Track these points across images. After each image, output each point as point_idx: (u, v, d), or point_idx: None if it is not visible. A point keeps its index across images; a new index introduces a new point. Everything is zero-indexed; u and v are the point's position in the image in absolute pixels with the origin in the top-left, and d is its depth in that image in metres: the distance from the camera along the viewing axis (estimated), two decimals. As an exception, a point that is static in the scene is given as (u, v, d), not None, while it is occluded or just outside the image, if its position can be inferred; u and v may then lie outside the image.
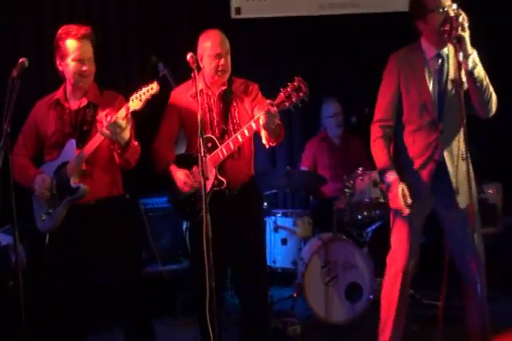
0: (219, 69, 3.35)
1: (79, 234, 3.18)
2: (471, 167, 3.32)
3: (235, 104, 3.43)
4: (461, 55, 3.04)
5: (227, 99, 3.42)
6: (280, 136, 3.26)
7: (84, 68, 3.14)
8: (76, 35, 3.12)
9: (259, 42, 5.46)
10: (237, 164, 3.38)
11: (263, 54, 5.44)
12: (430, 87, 3.28)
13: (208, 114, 3.37)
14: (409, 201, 3.23)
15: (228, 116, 3.40)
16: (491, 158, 5.05)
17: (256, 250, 3.55)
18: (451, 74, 3.24)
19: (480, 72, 3.15)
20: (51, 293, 3.30)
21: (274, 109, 3.03)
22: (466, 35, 3.04)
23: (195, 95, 3.14)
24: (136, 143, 3.19)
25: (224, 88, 3.43)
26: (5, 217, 2.94)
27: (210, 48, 3.35)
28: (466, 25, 3.02)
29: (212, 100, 3.42)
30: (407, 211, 3.26)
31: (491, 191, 5.04)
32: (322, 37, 5.48)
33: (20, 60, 2.93)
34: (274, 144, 3.29)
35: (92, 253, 3.21)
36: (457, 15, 3.02)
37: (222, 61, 3.35)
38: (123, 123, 2.97)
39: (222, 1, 5.32)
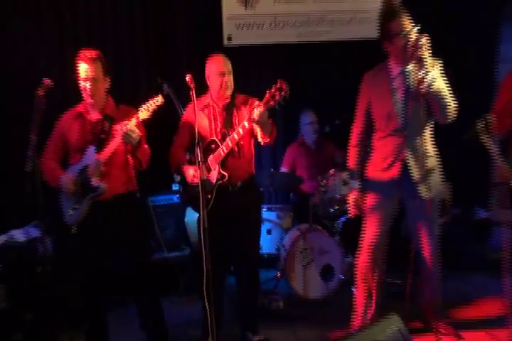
0: (223, 85, 3.38)
1: (100, 225, 3.19)
2: (436, 164, 3.36)
3: (235, 113, 3.44)
4: (421, 72, 3.07)
5: (229, 110, 3.44)
6: (273, 132, 3.28)
7: (89, 87, 3.15)
8: (84, 59, 3.14)
9: (248, 64, 5.45)
10: (237, 162, 3.39)
11: (251, 74, 5.43)
12: (394, 100, 3.30)
13: (212, 122, 3.39)
14: (357, 210, 3.48)
15: (230, 123, 3.41)
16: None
17: (253, 241, 3.58)
18: (415, 87, 3.24)
19: (439, 85, 3.16)
20: (77, 272, 3.33)
21: (262, 107, 3.06)
22: (427, 55, 3.05)
23: (202, 108, 3.35)
24: (146, 146, 3.24)
25: (227, 101, 3.46)
26: (34, 214, 2.91)
27: (215, 69, 3.39)
28: (426, 46, 3.03)
29: (217, 111, 3.43)
30: (352, 213, 3.51)
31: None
32: (300, 60, 5.48)
33: (46, 81, 2.94)
34: (268, 140, 3.30)
35: (110, 241, 3.23)
36: (419, 38, 3.04)
37: (225, 78, 3.38)
38: (134, 129, 3.02)
39: (216, 30, 5.30)
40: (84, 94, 3.20)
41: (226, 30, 5.31)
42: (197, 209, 3.52)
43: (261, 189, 4.90)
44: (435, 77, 3.12)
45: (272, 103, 3.02)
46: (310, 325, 3.86)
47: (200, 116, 3.38)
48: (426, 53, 3.03)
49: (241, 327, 3.65)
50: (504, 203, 3.66)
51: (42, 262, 3.25)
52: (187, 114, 3.51)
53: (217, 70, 3.37)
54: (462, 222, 5.21)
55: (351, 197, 3.53)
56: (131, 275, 3.32)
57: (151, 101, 3.06)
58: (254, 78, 5.39)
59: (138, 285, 3.33)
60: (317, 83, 5.42)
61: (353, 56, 5.16)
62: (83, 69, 3.14)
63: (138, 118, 3.05)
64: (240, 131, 3.21)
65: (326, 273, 4.29)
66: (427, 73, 3.07)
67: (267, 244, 4.65)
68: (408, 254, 3.43)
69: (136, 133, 3.04)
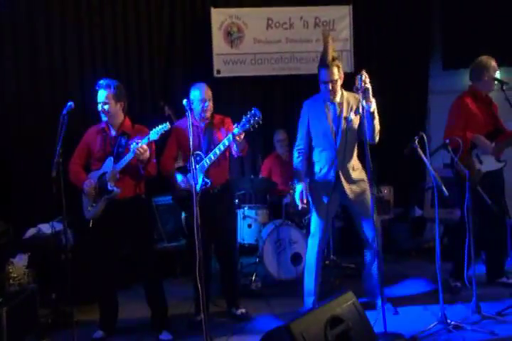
0: (204, 109, 3.34)
1: (113, 221, 3.16)
2: (362, 174, 3.40)
3: (215, 131, 3.41)
4: (363, 101, 3.09)
5: (210, 129, 3.41)
6: (245, 148, 3.29)
7: (105, 108, 3.16)
8: (102, 86, 3.16)
9: (233, 91, 5.45)
10: (217, 170, 3.36)
11: (236, 99, 5.43)
12: (328, 122, 3.34)
13: (197, 139, 3.34)
14: (303, 203, 3.44)
15: (211, 140, 3.38)
16: (385, 170, 5.08)
17: (230, 230, 3.56)
18: (344, 113, 3.32)
19: (376, 114, 3.22)
20: (94, 259, 3.29)
21: (238, 129, 3.08)
22: (369, 86, 3.08)
23: (187, 127, 3.17)
24: (154, 160, 3.23)
25: (208, 122, 3.42)
26: (58, 211, 2.86)
27: (198, 95, 3.35)
28: (367, 80, 3.06)
29: (200, 130, 3.40)
30: (301, 206, 3.47)
31: (385, 191, 5.09)
32: (275, 89, 5.50)
33: (69, 103, 2.92)
34: (241, 154, 3.33)
35: (121, 233, 3.19)
36: (361, 75, 3.05)
37: (206, 103, 3.34)
38: (146, 148, 3.03)
39: (207, 65, 5.28)
40: (101, 114, 3.19)
41: (215, 65, 5.29)
42: (184, 209, 3.50)
43: (243, 191, 4.89)
44: (374, 107, 3.16)
45: (247, 126, 3.06)
46: (282, 301, 3.82)
47: (185, 134, 3.30)
48: (369, 86, 3.06)
49: (227, 303, 3.60)
50: (433, 203, 3.67)
51: (64, 251, 3.18)
52: (175, 131, 3.43)
53: (200, 97, 3.34)
54: (403, 218, 5.23)
55: (296, 194, 3.48)
56: (138, 261, 3.28)
57: (160, 126, 3.06)
58: (237, 102, 5.38)
59: (144, 269, 3.28)
60: (288, 107, 5.44)
61: (315, 86, 5.16)
62: (99, 94, 3.15)
63: (149, 138, 3.05)
64: (222, 147, 3.22)
65: (296, 259, 4.26)
66: (370, 102, 3.11)
67: (247, 236, 4.59)
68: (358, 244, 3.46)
69: (147, 152, 3.05)
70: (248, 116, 3.07)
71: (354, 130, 3.36)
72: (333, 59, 3.29)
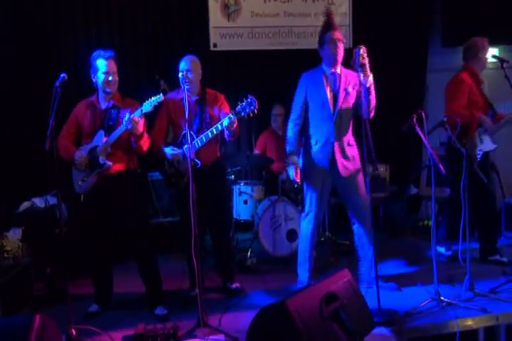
0: (184, 80, 3.13)
1: (104, 195, 3.09)
2: (355, 151, 3.35)
3: (207, 108, 3.31)
4: (361, 75, 3.01)
5: (202, 104, 3.31)
6: (236, 133, 3.19)
7: (110, 78, 3.05)
8: (104, 56, 3.03)
9: (230, 66, 5.32)
10: (207, 150, 3.27)
11: (232, 74, 5.31)
12: (327, 93, 3.26)
13: (189, 115, 3.24)
14: (297, 177, 3.36)
15: (202, 117, 3.28)
16: (382, 148, 5.02)
17: (223, 206, 3.50)
18: (343, 85, 3.24)
19: (372, 89, 3.15)
20: (87, 233, 3.22)
21: (233, 117, 2.99)
22: (366, 62, 3.00)
23: (179, 100, 3.20)
24: (147, 135, 3.11)
25: (198, 97, 3.32)
26: (52, 185, 2.80)
27: (182, 66, 3.26)
28: (365, 55, 2.98)
29: (191, 105, 3.27)
30: (297, 180, 3.39)
31: (382, 169, 5.06)
32: (272, 64, 5.35)
33: (62, 75, 2.81)
34: (232, 139, 3.24)
35: (113, 207, 3.11)
36: (358, 48, 2.97)
37: (185, 74, 3.20)
38: (138, 120, 2.91)
39: (204, 39, 5.16)
40: (103, 85, 3.07)
41: (212, 38, 5.18)
42: (170, 186, 3.40)
43: (239, 167, 4.83)
44: (371, 81, 3.10)
45: (242, 114, 2.96)
46: (277, 277, 3.81)
47: (177, 106, 3.24)
48: (365, 61, 2.99)
49: (221, 278, 3.58)
50: (429, 182, 3.67)
51: (58, 225, 3.13)
52: (166, 103, 3.28)
53: (182, 67, 3.25)
54: (399, 196, 5.20)
55: (290, 170, 3.40)
56: (132, 236, 3.21)
57: (153, 98, 2.94)
58: (234, 76, 5.28)
59: (137, 245, 3.21)
60: (285, 82, 5.32)
61: (313, 61, 5.07)
62: (103, 64, 3.03)
63: (142, 110, 2.94)
64: (214, 131, 3.12)
65: (291, 235, 4.24)
66: (367, 77, 3.05)
67: (243, 212, 4.57)
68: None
69: (140, 124, 2.95)
70: (244, 103, 2.96)
71: (350, 104, 3.29)
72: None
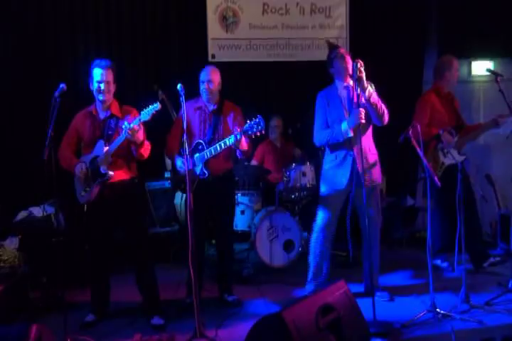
0: (204, 91, 3.27)
1: (107, 204, 3.11)
2: (377, 159, 3.38)
3: (222, 120, 3.34)
4: (359, 89, 3.11)
5: (217, 116, 3.34)
6: (248, 152, 3.24)
7: (102, 87, 3.07)
8: (100, 65, 3.07)
9: (228, 77, 5.31)
10: (217, 161, 3.29)
11: (231, 85, 5.33)
12: (344, 109, 3.29)
13: (202, 124, 3.28)
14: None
15: (216, 129, 3.32)
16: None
17: (228, 219, 3.51)
18: (355, 98, 3.24)
19: (374, 99, 3.21)
20: (89, 243, 3.24)
21: (239, 136, 3.01)
22: (363, 75, 3.08)
23: (195, 109, 3.30)
24: (147, 142, 3.13)
25: (216, 107, 3.34)
26: (49, 194, 2.81)
27: (202, 76, 3.32)
28: (362, 69, 3.06)
29: (206, 114, 3.32)
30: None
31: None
32: (270, 75, 5.39)
33: (61, 86, 2.84)
34: (244, 157, 3.31)
35: (115, 216, 3.13)
36: (355, 62, 3.05)
37: (206, 85, 3.28)
38: (137, 128, 2.93)
39: (202, 50, 5.18)
40: (96, 94, 3.11)
41: (210, 50, 5.21)
42: (181, 190, 3.44)
43: (236, 178, 4.85)
44: (371, 92, 3.18)
45: (249, 133, 2.99)
46: (274, 288, 3.81)
47: (193, 115, 3.31)
48: (362, 74, 3.07)
49: (219, 289, 3.58)
50: (425, 193, 3.71)
51: (56, 234, 3.14)
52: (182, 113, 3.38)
53: (202, 78, 3.30)
54: (396, 207, 5.22)
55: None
56: (131, 246, 3.22)
57: (151, 107, 2.95)
58: (232, 88, 5.28)
59: (135, 254, 3.23)
60: (282, 93, 5.38)
61: (311, 73, 5.13)
62: (98, 73, 3.06)
63: (140, 119, 2.96)
64: (223, 145, 3.13)
65: (288, 246, 4.25)
66: (364, 90, 3.13)
67: (240, 222, 4.56)
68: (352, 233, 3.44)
69: (139, 132, 2.97)
70: (252, 123, 2.99)
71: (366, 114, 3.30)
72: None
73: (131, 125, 2.91)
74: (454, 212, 3.37)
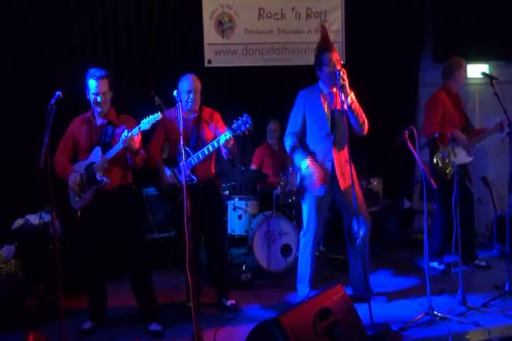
0: (188, 100, 3.28)
1: (101, 211, 3.10)
2: (351, 167, 3.33)
3: (203, 126, 3.36)
4: (342, 95, 3.13)
5: (198, 123, 3.36)
6: (234, 150, 3.26)
7: (99, 99, 3.07)
8: (95, 76, 3.04)
9: (224, 82, 5.37)
10: (203, 166, 3.31)
11: (227, 90, 5.36)
12: (325, 112, 3.30)
13: (185, 132, 3.28)
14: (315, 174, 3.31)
15: (199, 135, 3.33)
16: (375, 162, 5.08)
17: (217, 224, 3.52)
18: (338, 105, 3.26)
19: (356, 106, 3.24)
20: (82, 249, 3.22)
21: (229, 135, 3.04)
22: (346, 83, 3.12)
23: (174, 119, 3.24)
24: (143, 152, 3.14)
25: (196, 115, 3.36)
26: (46, 202, 2.81)
27: (184, 86, 3.29)
28: (345, 77, 3.11)
29: (187, 122, 3.32)
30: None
31: (375, 183, 5.10)
32: (266, 80, 5.38)
33: (57, 93, 2.84)
34: (230, 156, 3.29)
35: (109, 223, 3.12)
36: (339, 71, 3.11)
37: (191, 95, 3.28)
38: (135, 138, 2.95)
39: (198, 55, 5.20)
40: (93, 105, 3.12)
41: (207, 55, 5.22)
42: (167, 201, 3.44)
43: (233, 183, 4.85)
44: (353, 99, 3.21)
45: (237, 131, 3.02)
46: (271, 292, 3.82)
47: (173, 125, 3.30)
48: (346, 82, 3.10)
49: (217, 293, 3.59)
50: (422, 196, 3.74)
51: (52, 241, 3.13)
52: (163, 121, 3.32)
53: (186, 88, 3.27)
54: (392, 210, 5.23)
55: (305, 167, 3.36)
56: (126, 252, 3.21)
57: (151, 116, 2.97)
58: (228, 93, 5.32)
59: (130, 261, 3.22)
60: (279, 97, 5.38)
61: (307, 78, 5.13)
62: (93, 85, 3.05)
63: (140, 128, 2.97)
64: (210, 148, 3.17)
65: (285, 250, 4.24)
66: (347, 97, 3.16)
67: (238, 227, 4.57)
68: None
69: (137, 142, 2.98)
70: (239, 122, 3.02)
71: (346, 122, 3.32)
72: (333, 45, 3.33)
73: (130, 134, 2.93)
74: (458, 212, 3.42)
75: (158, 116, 2.96)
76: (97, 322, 3.24)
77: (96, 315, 3.26)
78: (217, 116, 3.43)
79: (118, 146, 3.01)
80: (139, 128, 2.96)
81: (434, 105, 3.98)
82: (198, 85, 3.34)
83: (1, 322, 3.02)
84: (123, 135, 2.95)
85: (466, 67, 4.08)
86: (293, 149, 3.36)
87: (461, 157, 3.86)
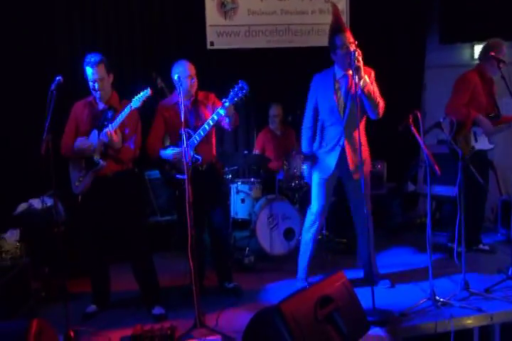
0: (192, 85, 3.25)
1: (101, 195, 3.09)
2: (365, 151, 3.30)
3: (201, 108, 3.33)
4: (356, 77, 3.02)
5: (196, 106, 3.33)
6: (236, 120, 3.23)
7: (96, 86, 3.03)
8: (90, 63, 3.00)
9: (226, 64, 5.28)
10: (205, 147, 3.28)
11: (229, 72, 5.27)
12: (337, 97, 3.23)
13: (184, 116, 3.24)
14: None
15: (198, 117, 3.30)
16: (379, 144, 5.00)
17: (220, 208, 3.48)
18: (353, 88, 3.16)
19: (370, 88, 3.12)
20: (84, 233, 3.23)
21: (228, 104, 3.02)
22: (361, 64, 3.01)
23: (173, 105, 3.23)
24: (132, 146, 3.11)
25: (193, 98, 3.33)
26: (48, 186, 2.80)
27: (184, 71, 3.22)
28: (360, 58, 3.00)
29: (186, 107, 3.27)
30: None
31: (379, 166, 5.05)
32: (269, 62, 5.31)
33: (57, 78, 2.79)
34: (233, 127, 3.28)
35: (110, 207, 3.11)
36: (354, 51, 2.99)
37: (193, 80, 3.25)
38: (111, 134, 2.96)
39: (201, 37, 5.10)
40: (92, 91, 3.08)
41: (209, 37, 5.12)
42: (172, 187, 3.39)
43: (236, 167, 4.82)
44: (367, 82, 3.10)
45: (235, 99, 3.01)
46: (274, 275, 3.81)
47: (171, 112, 3.27)
48: (360, 64, 3.00)
49: (218, 277, 3.59)
50: (426, 179, 3.71)
51: (56, 225, 3.13)
52: (161, 110, 3.35)
53: (186, 73, 3.22)
54: (396, 193, 5.19)
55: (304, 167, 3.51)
56: (127, 236, 3.20)
57: (141, 93, 2.95)
58: (230, 76, 5.20)
59: (131, 245, 3.21)
60: (282, 80, 5.30)
61: (311, 60, 5.05)
62: (89, 72, 3.01)
63: (131, 106, 2.94)
64: (211, 123, 3.13)
65: (288, 234, 4.24)
66: (360, 79, 3.06)
67: (241, 210, 4.56)
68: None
69: (116, 139, 2.97)
70: (236, 89, 3.01)
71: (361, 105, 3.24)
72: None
73: (112, 129, 2.94)
74: (471, 197, 3.37)
75: (147, 91, 2.94)
76: (101, 306, 3.25)
77: (100, 299, 3.27)
78: (212, 96, 3.40)
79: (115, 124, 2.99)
80: (130, 106, 2.94)
81: (464, 85, 3.78)
82: (193, 71, 3.31)
83: (7, 305, 3.04)
84: (105, 129, 2.95)
85: (504, 50, 3.76)
86: (305, 158, 3.47)
87: (482, 143, 3.78)
